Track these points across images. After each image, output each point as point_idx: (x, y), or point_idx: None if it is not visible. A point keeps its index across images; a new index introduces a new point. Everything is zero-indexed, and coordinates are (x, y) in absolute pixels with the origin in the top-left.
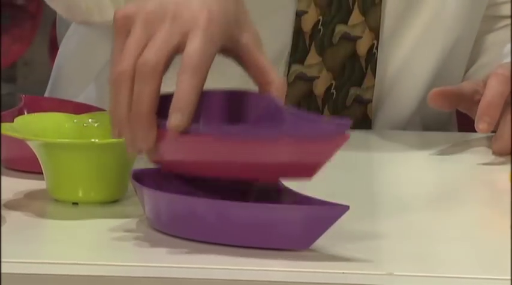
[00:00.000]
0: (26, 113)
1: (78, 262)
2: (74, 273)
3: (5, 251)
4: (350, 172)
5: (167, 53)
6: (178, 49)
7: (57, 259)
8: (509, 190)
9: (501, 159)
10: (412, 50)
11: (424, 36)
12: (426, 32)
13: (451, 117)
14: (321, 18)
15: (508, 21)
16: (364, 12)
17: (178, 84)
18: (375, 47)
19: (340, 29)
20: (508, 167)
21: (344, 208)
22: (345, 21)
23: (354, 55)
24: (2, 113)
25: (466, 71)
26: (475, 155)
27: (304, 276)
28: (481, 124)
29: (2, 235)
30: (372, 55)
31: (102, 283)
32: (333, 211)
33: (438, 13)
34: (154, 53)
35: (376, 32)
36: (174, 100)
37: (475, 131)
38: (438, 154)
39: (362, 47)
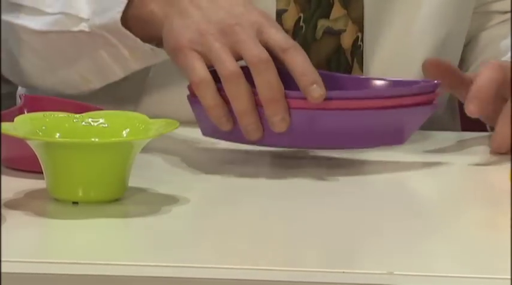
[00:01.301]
0: (26, 112)
1: (78, 261)
2: (73, 272)
3: (4, 250)
4: (348, 172)
5: (262, 46)
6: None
7: (57, 258)
8: (509, 190)
9: (501, 159)
10: (399, 42)
11: (411, 28)
12: (411, 23)
13: (453, 117)
14: (301, 15)
15: (503, 17)
16: (345, 5)
17: (296, 62)
18: (359, 39)
19: (322, 23)
20: (507, 167)
21: (432, 107)
22: (327, 16)
23: (338, 49)
24: (2, 112)
25: (461, 67)
26: (475, 154)
27: (304, 276)
28: (471, 106)
29: (2, 234)
30: (357, 48)
31: (102, 283)
32: (423, 111)
33: (421, 4)
34: (255, 48)
35: (360, 24)
36: (302, 76)
37: (478, 131)
38: (437, 154)
39: (346, 40)
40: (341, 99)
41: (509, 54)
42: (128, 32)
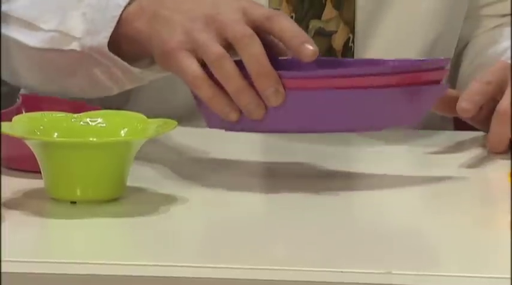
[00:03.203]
0: (24, 112)
1: (77, 261)
2: (72, 272)
3: (3, 250)
4: (346, 171)
5: (245, 24)
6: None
7: (56, 258)
8: (507, 189)
9: (500, 158)
10: (389, 43)
11: (401, 29)
12: (403, 26)
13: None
14: (293, 15)
15: (497, 21)
16: (337, 6)
17: (283, 26)
18: (351, 40)
19: (314, 24)
20: (506, 166)
21: (443, 87)
22: (319, 17)
23: (329, 50)
24: (1, 112)
25: (456, 73)
26: (473, 154)
27: (303, 275)
28: (463, 103)
29: (1, 234)
30: (348, 50)
31: (101, 282)
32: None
33: (413, 7)
34: (237, 26)
35: (351, 25)
36: (292, 38)
37: (471, 130)
38: (434, 153)
39: (337, 41)
40: (346, 77)
41: (503, 56)
42: (115, 57)
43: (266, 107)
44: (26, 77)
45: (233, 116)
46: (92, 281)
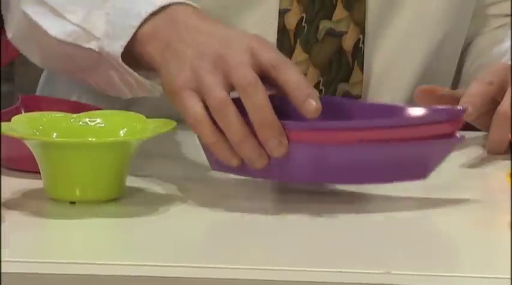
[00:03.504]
0: (23, 112)
1: (76, 261)
2: (71, 272)
3: (3, 250)
4: None
5: (251, 70)
6: (255, 69)
7: (55, 258)
8: (508, 189)
9: (500, 158)
10: (398, 44)
11: (410, 30)
12: (411, 26)
13: None
14: (304, 15)
15: (502, 21)
16: (348, 7)
17: (288, 77)
18: (361, 41)
19: (324, 24)
20: (506, 166)
21: (459, 139)
22: (329, 17)
23: (340, 50)
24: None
25: (460, 71)
26: (472, 153)
27: (302, 275)
28: (464, 106)
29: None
30: (358, 50)
31: (100, 282)
32: (447, 144)
33: (422, 7)
34: (243, 71)
35: (361, 26)
36: (295, 90)
37: (471, 130)
38: None
39: (348, 42)
40: (352, 130)
41: (505, 57)
42: (129, 70)
43: (269, 157)
44: (47, 62)
45: (235, 162)
46: (91, 281)
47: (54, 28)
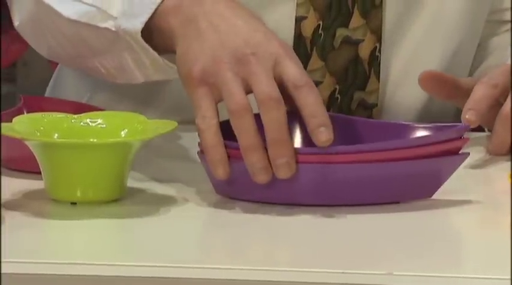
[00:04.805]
0: (25, 113)
1: (77, 262)
2: (72, 273)
3: (3, 251)
4: None
5: (274, 83)
6: (276, 79)
7: (56, 259)
8: (508, 190)
9: (500, 159)
10: (414, 52)
11: (426, 38)
12: (427, 34)
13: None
14: (320, 22)
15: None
16: (364, 15)
17: (307, 102)
18: (377, 49)
19: (341, 32)
20: (507, 166)
21: (464, 156)
22: (346, 25)
23: (356, 58)
24: (1, 113)
25: (471, 74)
26: (474, 154)
27: (304, 276)
28: (467, 115)
29: (1, 234)
30: (374, 58)
31: (101, 283)
32: (453, 161)
33: (438, 15)
34: (267, 85)
35: (378, 34)
36: (311, 118)
37: (472, 130)
38: None
39: (364, 50)
40: (363, 153)
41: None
42: (146, 46)
43: (273, 174)
44: (56, 50)
45: (222, 171)
46: (92, 282)
47: (68, 9)
